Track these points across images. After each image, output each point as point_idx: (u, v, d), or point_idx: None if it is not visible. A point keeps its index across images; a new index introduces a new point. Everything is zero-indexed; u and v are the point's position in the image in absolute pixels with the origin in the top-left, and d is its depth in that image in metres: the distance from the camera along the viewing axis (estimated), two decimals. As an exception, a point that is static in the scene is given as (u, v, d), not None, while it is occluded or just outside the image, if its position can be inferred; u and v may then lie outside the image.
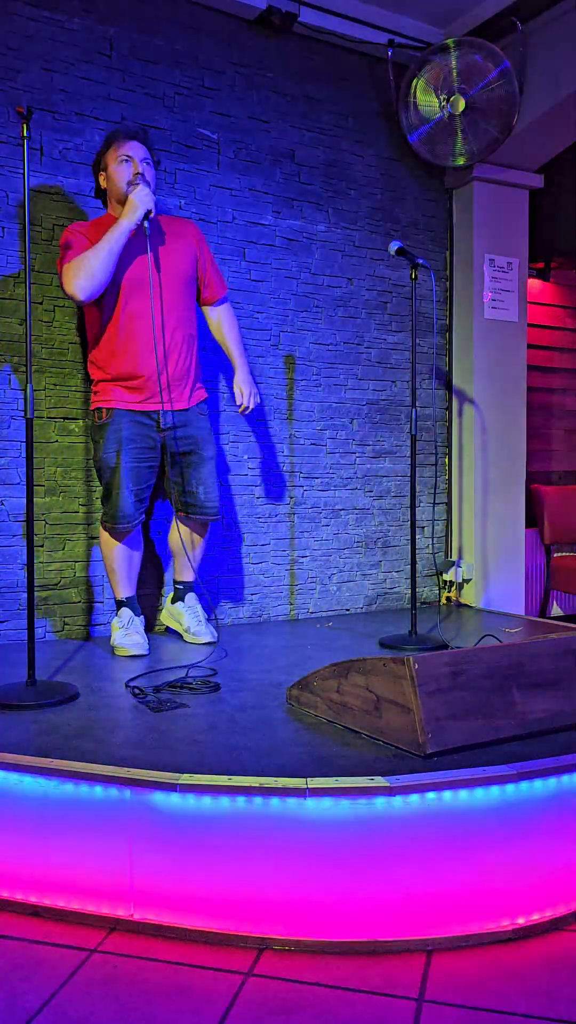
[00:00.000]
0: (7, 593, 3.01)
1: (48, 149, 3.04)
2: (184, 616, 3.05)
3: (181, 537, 2.99)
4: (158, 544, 3.28)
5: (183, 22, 3.29)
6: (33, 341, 3.02)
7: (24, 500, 3.00)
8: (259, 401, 3.10)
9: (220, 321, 3.04)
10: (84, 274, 2.63)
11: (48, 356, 3.06)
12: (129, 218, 2.66)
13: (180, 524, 2.98)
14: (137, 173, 2.73)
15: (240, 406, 3.00)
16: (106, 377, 2.81)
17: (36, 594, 3.04)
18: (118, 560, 2.89)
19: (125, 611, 2.93)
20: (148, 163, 2.79)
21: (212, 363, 3.36)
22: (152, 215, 2.69)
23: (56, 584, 3.10)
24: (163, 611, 3.20)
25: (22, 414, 3.01)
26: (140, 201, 2.67)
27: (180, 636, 3.10)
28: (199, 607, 3.09)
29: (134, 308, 2.75)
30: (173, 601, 3.11)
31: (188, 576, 3.07)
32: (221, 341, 3.07)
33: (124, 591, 2.93)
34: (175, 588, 3.10)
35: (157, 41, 3.24)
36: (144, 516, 2.91)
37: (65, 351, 3.09)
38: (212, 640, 3.01)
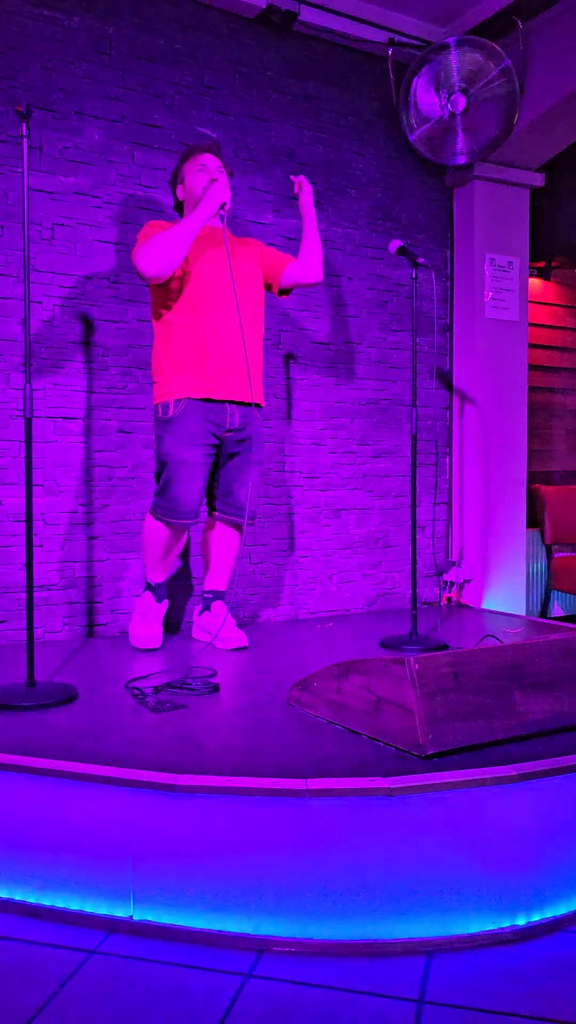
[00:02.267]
0: (7, 593, 3.01)
1: (48, 148, 3.04)
2: (212, 625, 3.00)
3: (211, 539, 2.99)
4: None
5: (183, 21, 3.29)
6: (33, 341, 3.02)
7: (23, 500, 3.00)
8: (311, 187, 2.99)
9: (301, 264, 3.00)
10: (155, 252, 2.65)
11: (48, 356, 3.06)
12: (205, 207, 2.70)
13: (213, 524, 2.97)
14: (213, 180, 2.79)
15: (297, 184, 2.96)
16: (175, 368, 2.78)
17: (36, 594, 3.04)
18: (163, 546, 2.87)
19: (148, 596, 2.94)
20: (221, 171, 2.86)
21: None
22: (227, 207, 2.73)
23: (55, 584, 3.10)
24: (195, 624, 3.16)
25: (21, 414, 3.01)
26: (216, 192, 2.71)
27: (188, 638, 3.10)
28: (228, 615, 3.05)
29: (210, 301, 2.77)
30: (200, 613, 3.09)
31: (218, 584, 3.04)
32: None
33: (157, 576, 2.94)
34: (204, 598, 3.08)
35: (157, 40, 3.23)
36: (203, 514, 2.91)
37: (65, 351, 3.09)
38: (243, 645, 2.94)
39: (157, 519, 2.82)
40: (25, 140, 2.23)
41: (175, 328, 2.79)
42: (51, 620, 3.10)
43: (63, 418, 3.09)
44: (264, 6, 3.32)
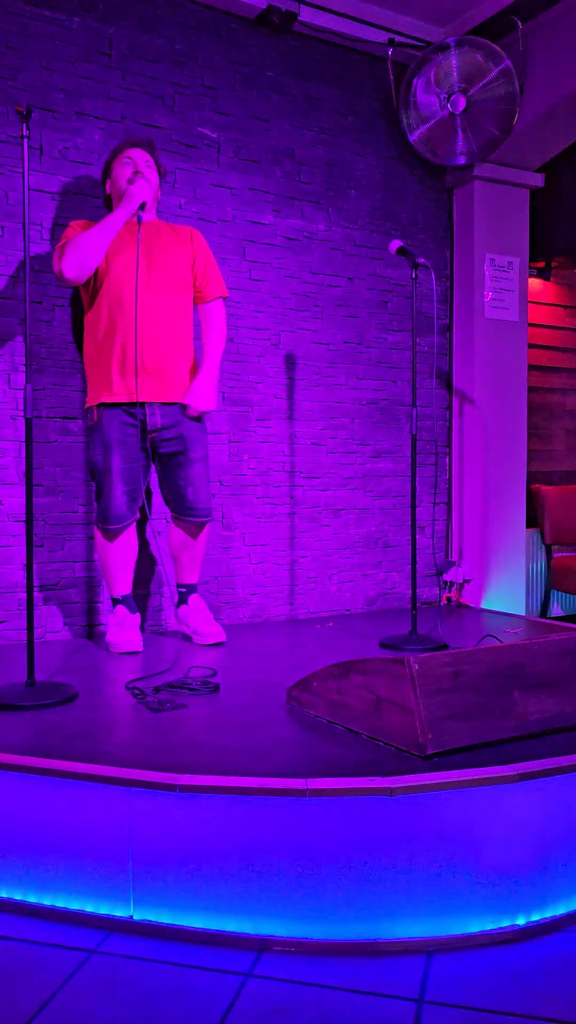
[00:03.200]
0: (7, 593, 3.01)
1: (48, 148, 3.04)
2: (190, 619, 3.04)
3: (175, 540, 3.00)
4: (153, 542, 3.28)
5: (183, 21, 3.29)
6: (32, 341, 3.02)
7: (23, 500, 3.00)
8: (208, 409, 2.88)
9: (206, 322, 2.98)
10: (72, 254, 2.68)
11: (48, 356, 3.06)
12: (125, 206, 2.72)
13: (174, 526, 2.99)
14: (136, 172, 2.80)
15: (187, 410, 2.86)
16: (94, 371, 2.83)
17: (36, 594, 3.04)
18: (111, 559, 2.89)
19: (120, 608, 2.94)
20: (150, 166, 2.85)
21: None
22: (146, 206, 2.76)
23: (56, 584, 3.10)
24: (174, 617, 3.19)
25: (21, 414, 3.01)
26: (136, 191, 2.74)
27: (170, 635, 3.10)
28: (205, 608, 3.07)
29: (125, 298, 2.76)
30: (178, 606, 3.11)
31: (189, 579, 3.05)
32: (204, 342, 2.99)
33: (118, 589, 2.93)
34: (179, 592, 3.09)
35: (157, 40, 3.23)
36: (138, 515, 2.90)
37: (65, 351, 3.09)
38: (220, 640, 3.00)
39: (98, 529, 2.87)
40: (25, 140, 2.23)
41: (94, 329, 2.81)
42: (51, 620, 3.10)
43: (63, 418, 3.09)
44: (264, 6, 3.32)
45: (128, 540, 2.90)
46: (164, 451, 2.86)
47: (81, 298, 2.87)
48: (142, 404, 2.79)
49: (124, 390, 2.78)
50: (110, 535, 2.85)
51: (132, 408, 2.80)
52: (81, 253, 2.67)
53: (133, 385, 2.76)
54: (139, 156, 2.84)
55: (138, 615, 3.00)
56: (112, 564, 2.90)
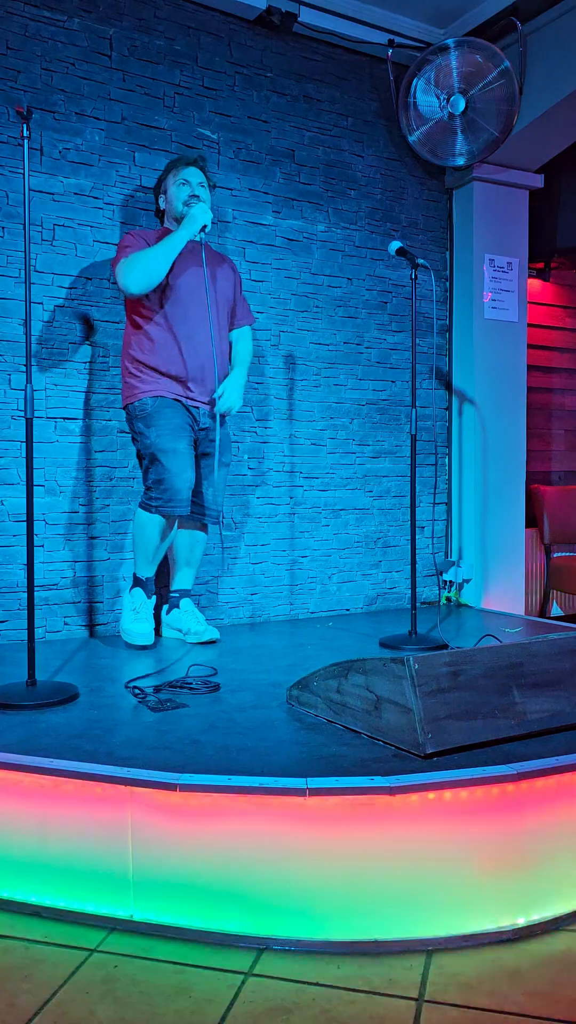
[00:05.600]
0: (7, 593, 3.01)
1: (48, 149, 3.04)
2: (182, 620, 3.07)
3: (180, 542, 3.06)
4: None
5: (183, 22, 3.29)
6: (33, 342, 3.02)
7: (24, 500, 3.00)
8: (236, 407, 3.00)
9: (237, 341, 3.13)
10: (140, 270, 2.78)
11: (48, 356, 3.07)
12: (187, 228, 2.83)
13: (180, 524, 3.01)
14: (193, 196, 2.92)
15: (216, 405, 2.95)
16: (151, 370, 2.88)
17: (36, 594, 3.04)
18: (156, 538, 2.91)
19: (138, 592, 2.98)
20: (204, 186, 2.98)
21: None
22: (208, 229, 2.86)
23: (56, 584, 3.10)
24: (163, 625, 3.19)
25: (22, 414, 3.01)
26: (199, 214, 2.84)
27: (180, 638, 3.11)
28: (196, 610, 3.12)
29: (185, 312, 2.89)
30: (168, 611, 3.13)
31: (185, 584, 3.13)
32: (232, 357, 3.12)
33: (147, 569, 2.97)
34: (170, 598, 3.14)
35: (157, 41, 3.24)
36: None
37: (65, 351, 3.09)
38: (214, 638, 3.03)
39: (155, 512, 2.87)
40: (26, 141, 2.23)
41: (152, 335, 2.88)
42: (52, 620, 3.10)
43: (64, 418, 3.10)
44: (264, 7, 3.32)
45: (172, 525, 2.95)
46: (200, 451, 2.98)
47: (129, 302, 2.92)
48: (196, 407, 2.93)
49: (182, 392, 2.90)
50: (165, 514, 2.87)
51: (188, 405, 2.92)
52: (147, 270, 2.78)
53: (190, 389, 2.91)
54: (193, 176, 2.95)
55: (154, 599, 3.04)
56: (151, 544, 2.92)
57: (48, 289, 3.05)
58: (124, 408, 2.97)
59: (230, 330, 3.12)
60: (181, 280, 2.90)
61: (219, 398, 2.95)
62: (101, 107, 3.13)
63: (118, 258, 2.85)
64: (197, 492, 2.99)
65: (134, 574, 3.02)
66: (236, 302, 3.11)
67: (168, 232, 2.92)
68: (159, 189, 3.04)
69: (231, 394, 2.98)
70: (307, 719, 2.10)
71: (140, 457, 2.98)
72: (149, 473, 2.88)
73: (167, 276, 2.85)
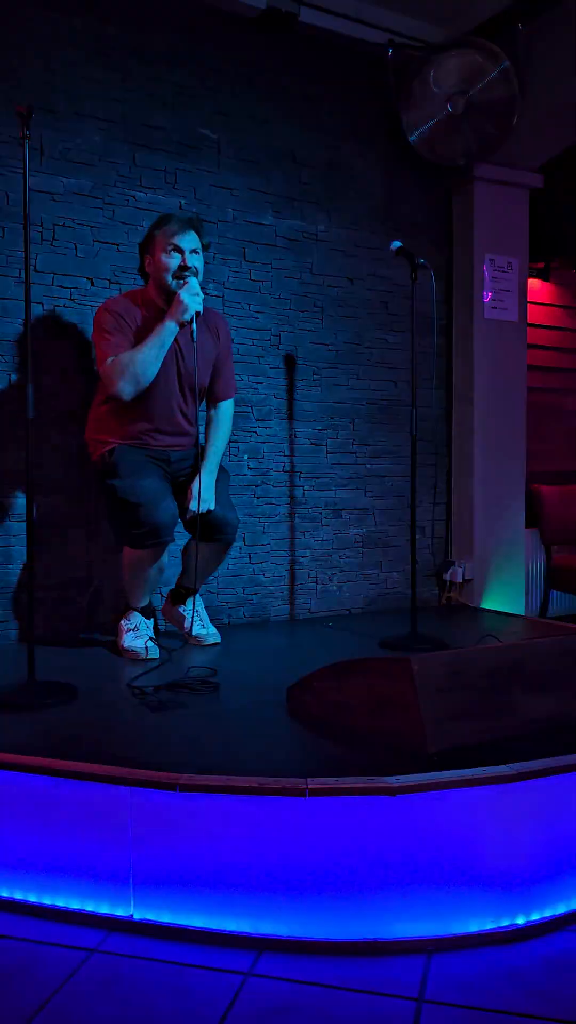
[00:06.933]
0: (7, 593, 3.01)
1: (48, 149, 3.04)
2: (186, 619, 3.01)
3: (196, 549, 2.92)
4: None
5: (183, 22, 3.29)
6: (33, 341, 3.01)
7: (23, 500, 3.00)
8: (209, 510, 2.81)
9: (215, 420, 2.96)
10: (131, 379, 2.64)
11: (48, 356, 3.06)
12: (177, 318, 2.66)
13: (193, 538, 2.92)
14: (183, 267, 2.70)
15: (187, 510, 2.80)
16: (117, 434, 2.76)
17: (36, 593, 3.04)
18: (146, 575, 2.81)
19: (135, 615, 2.90)
20: (197, 253, 2.75)
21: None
22: (200, 315, 2.69)
23: (56, 584, 3.10)
24: (163, 608, 3.17)
25: (22, 414, 3.00)
26: (189, 303, 2.66)
27: (179, 634, 3.10)
28: (202, 610, 3.07)
29: (162, 383, 2.74)
30: (174, 602, 3.10)
31: (189, 583, 3.02)
32: (206, 437, 2.94)
33: (140, 601, 2.90)
34: (178, 589, 3.07)
35: (157, 41, 3.23)
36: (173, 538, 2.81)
37: (65, 351, 3.09)
38: (216, 642, 3.00)
39: (138, 549, 2.73)
40: (26, 141, 2.23)
41: (125, 406, 2.72)
42: (52, 620, 3.10)
43: (64, 418, 3.09)
44: (264, 7, 3.32)
45: (159, 555, 2.80)
46: (181, 479, 2.85)
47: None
48: (164, 450, 2.82)
49: (150, 440, 2.79)
50: (155, 550, 2.74)
51: (155, 452, 2.80)
52: (138, 376, 2.63)
53: (156, 439, 2.79)
54: (187, 242, 2.72)
55: (153, 618, 2.98)
56: (141, 578, 2.81)
57: (48, 289, 3.05)
58: (94, 462, 2.84)
59: (210, 399, 2.96)
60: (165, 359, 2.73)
61: (191, 501, 2.77)
62: (101, 107, 3.13)
63: (101, 349, 2.69)
64: (207, 515, 2.80)
65: (126, 604, 2.92)
66: (220, 368, 2.93)
67: (148, 297, 2.76)
68: (145, 247, 2.79)
69: (205, 496, 2.79)
70: (307, 719, 2.10)
71: (112, 511, 2.77)
72: (124, 516, 2.68)
73: None
